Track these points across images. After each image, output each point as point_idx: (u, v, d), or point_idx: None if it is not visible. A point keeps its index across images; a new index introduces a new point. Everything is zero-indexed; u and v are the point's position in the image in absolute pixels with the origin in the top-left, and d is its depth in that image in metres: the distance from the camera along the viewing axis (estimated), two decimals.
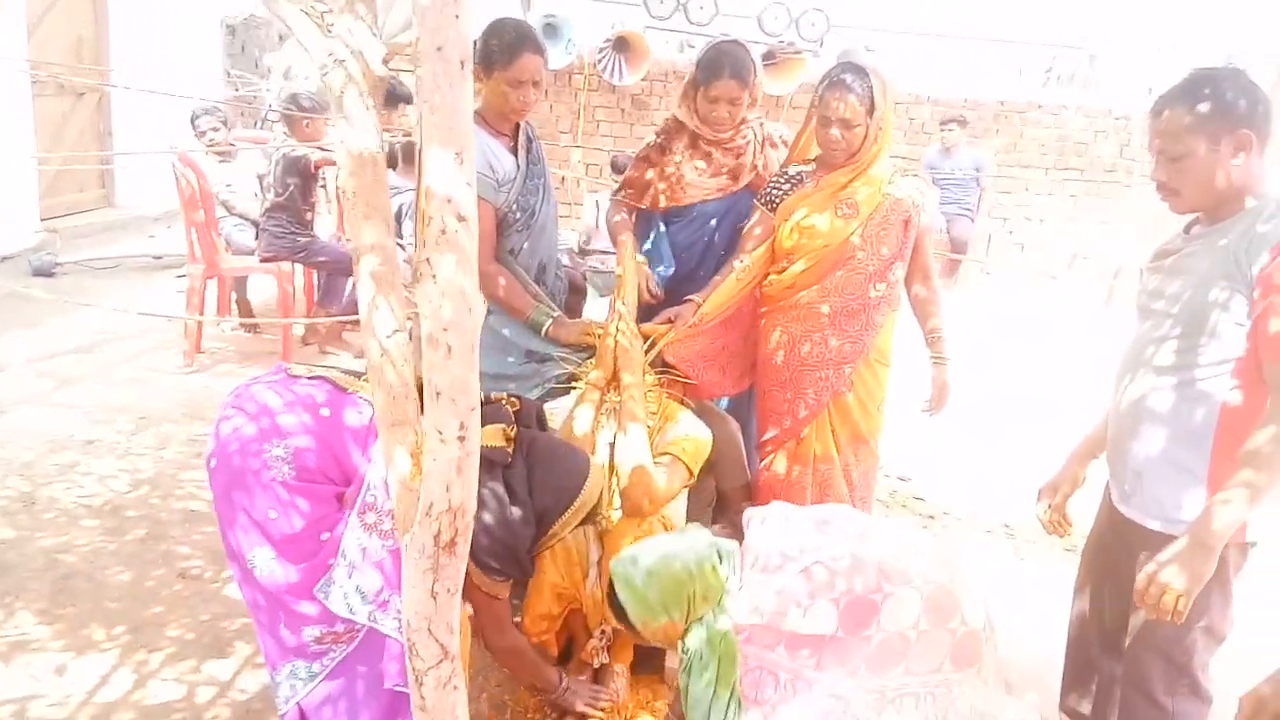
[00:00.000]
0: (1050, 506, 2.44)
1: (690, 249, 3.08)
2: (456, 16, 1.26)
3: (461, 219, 1.29)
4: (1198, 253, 2.01)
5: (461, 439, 1.35)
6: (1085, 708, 2.46)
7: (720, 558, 2.04)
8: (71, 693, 2.45)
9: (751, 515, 2.15)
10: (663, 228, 3.10)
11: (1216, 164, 1.93)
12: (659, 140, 3.04)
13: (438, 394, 1.33)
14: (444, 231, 1.28)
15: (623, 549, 2.16)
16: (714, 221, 3.04)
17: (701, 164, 2.99)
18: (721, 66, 2.81)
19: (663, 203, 3.03)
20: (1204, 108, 1.91)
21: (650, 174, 3.02)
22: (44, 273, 6.58)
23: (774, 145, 3.08)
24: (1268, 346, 1.86)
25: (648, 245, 3.08)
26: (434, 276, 1.29)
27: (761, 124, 3.06)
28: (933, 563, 1.98)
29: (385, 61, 1.38)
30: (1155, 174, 2.05)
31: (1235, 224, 1.95)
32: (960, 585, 1.98)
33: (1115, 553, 2.28)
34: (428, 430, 1.35)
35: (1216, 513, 1.83)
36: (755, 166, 3.01)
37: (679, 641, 2.04)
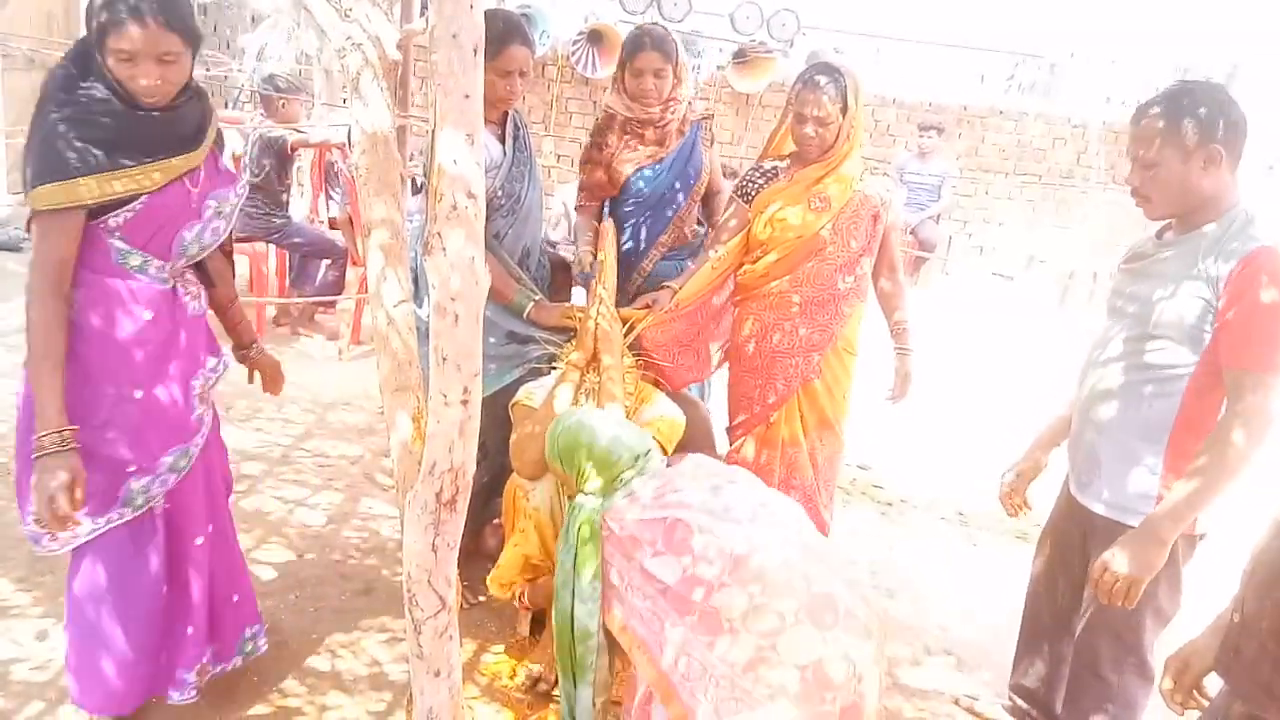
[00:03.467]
0: (1012, 489, 2.60)
1: (634, 227, 3.21)
2: (471, 5, 1.35)
3: (471, 196, 1.38)
4: (1169, 258, 2.12)
5: (464, 402, 1.44)
6: (1034, 684, 2.60)
7: (635, 461, 2.18)
8: (53, 657, 2.48)
9: (690, 457, 2.31)
10: (606, 207, 3.25)
11: (1187, 174, 2.03)
12: (595, 139, 3.19)
13: (444, 359, 1.42)
14: (454, 207, 1.37)
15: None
16: (651, 195, 3.16)
17: (633, 144, 3.14)
18: (642, 42, 3.00)
19: (611, 192, 3.19)
20: (1179, 120, 2.01)
21: (599, 174, 3.17)
22: (9, 247, 6.52)
23: (709, 117, 3.23)
24: (1230, 352, 1.98)
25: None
26: (444, 249, 1.38)
27: (690, 103, 3.19)
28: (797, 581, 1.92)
29: (398, 47, 1.47)
30: (1129, 178, 2.16)
31: (1206, 233, 2.05)
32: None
33: (1070, 538, 2.42)
34: (433, 394, 1.44)
35: (1170, 508, 1.98)
36: (681, 131, 3.14)
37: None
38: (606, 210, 3.23)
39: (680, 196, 3.15)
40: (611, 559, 2.07)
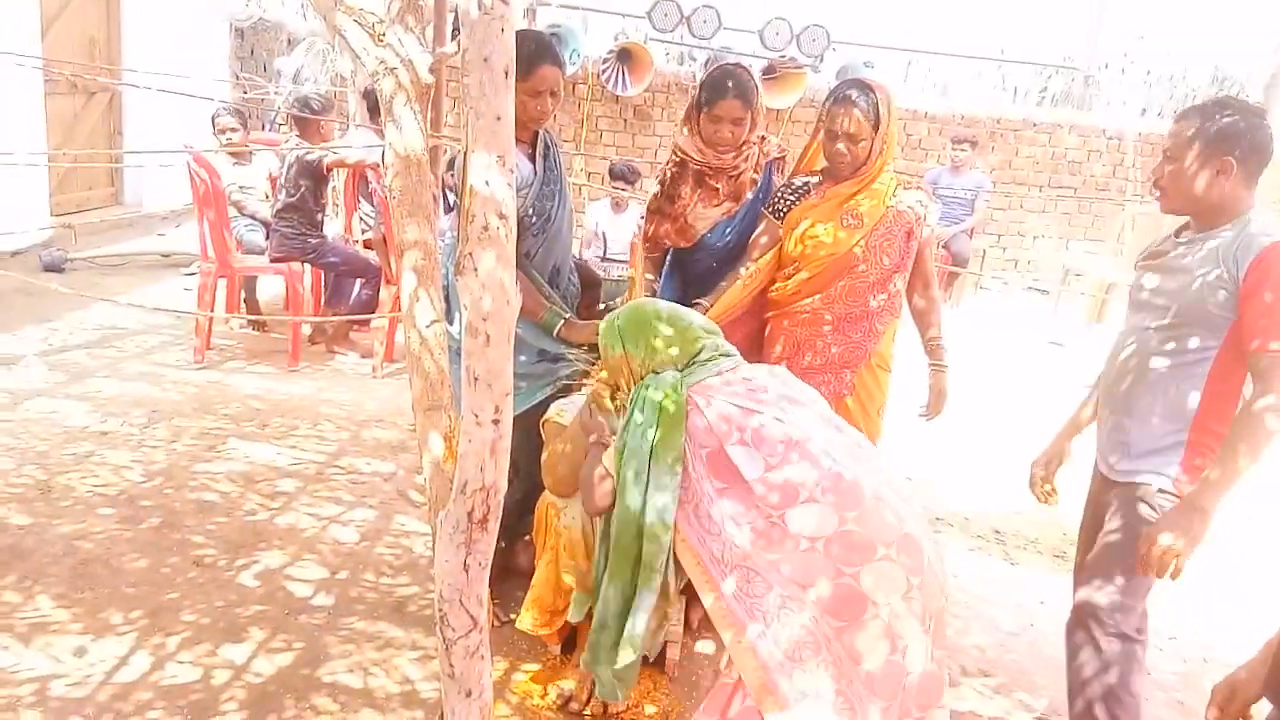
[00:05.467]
0: (1040, 478, 2.68)
1: (699, 277, 3.15)
2: (502, 29, 1.36)
3: (502, 217, 1.39)
4: (1189, 254, 2.27)
5: (496, 422, 1.45)
6: None
7: (707, 334, 2.05)
8: (91, 673, 2.52)
9: (777, 367, 2.19)
10: (671, 259, 3.17)
11: (1198, 178, 2.22)
12: (666, 189, 3.09)
13: (475, 379, 1.42)
14: (486, 228, 1.38)
15: None
16: (721, 247, 3.09)
17: (707, 199, 3.05)
18: (725, 87, 2.87)
19: (679, 243, 3.10)
20: (1206, 127, 2.21)
21: (666, 225, 3.08)
22: (54, 268, 6.66)
23: (781, 157, 3.16)
24: (1255, 337, 2.11)
25: (661, 279, 3.16)
26: (475, 270, 1.39)
27: (764, 139, 3.12)
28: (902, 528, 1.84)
29: (431, 70, 1.48)
30: (1155, 170, 2.34)
31: (1226, 230, 2.21)
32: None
33: (1101, 514, 2.47)
34: (465, 413, 1.44)
35: (1211, 481, 2.09)
36: (754, 181, 3.07)
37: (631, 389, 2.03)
38: (670, 258, 3.15)
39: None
40: (690, 443, 1.88)
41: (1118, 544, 2.32)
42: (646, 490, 1.89)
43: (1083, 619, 2.35)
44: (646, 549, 1.90)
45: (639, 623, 1.97)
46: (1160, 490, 2.29)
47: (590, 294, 3.15)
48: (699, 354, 2.02)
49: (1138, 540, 2.19)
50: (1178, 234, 2.37)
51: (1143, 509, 2.30)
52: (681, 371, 1.99)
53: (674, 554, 1.96)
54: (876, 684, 1.76)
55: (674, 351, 2.01)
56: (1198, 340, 2.23)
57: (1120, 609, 2.31)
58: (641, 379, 2.03)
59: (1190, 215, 2.31)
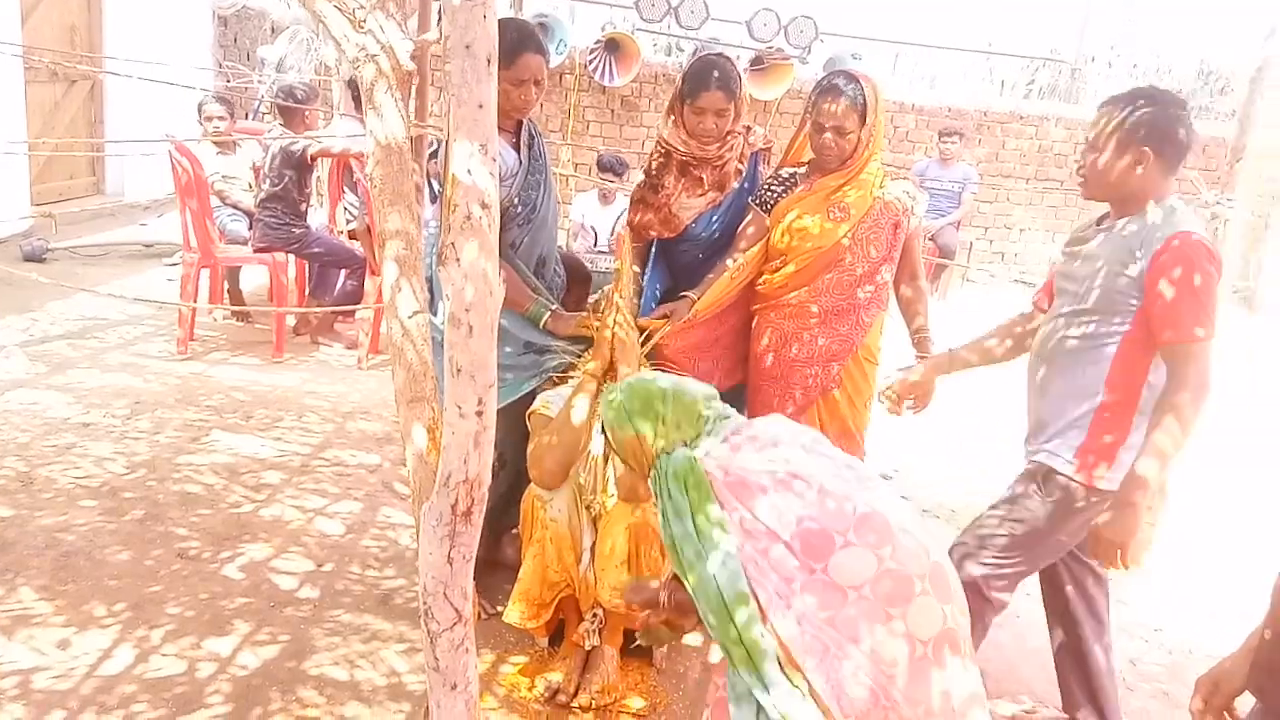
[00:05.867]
0: (892, 397, 2.79)
1: (687, 266, 3.14)
2: (484, 16, 1.35)
3: (485, 206, 1.37)
4: (1104, 242, 2.34)
5: (479, 414, 1.43)
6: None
7: (709, 403, 2.03)
8: (74, 666, 2.50)
9: (772, 415, 2.16)
10: (657, 249, 3.15)
11: (1115, 166, 2.29)
12: (650, 179, 3.06)
13: (458, 371, 1.41)
14: (469, 218, 1.36)
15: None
16: (706, 238, 3.08)
17: (693, 189, 3.03)
18: (707, 78, 2.84)
19: (663, 233, 3.08)
20: (1124, 117, 2.27)
21: (650, 216, 3.06)
22: (34, 258, 6.59)
23: (767, 148, 3.15)
24: (1163, 328, 2.18)
25: (647, 270, 3.13)
26: (458, 260, 1.37)
27: (749, 129, 3.10)
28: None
29: (412, 57, 1.46)
30: (1080, 158, 2.43)
31: (1138, 219, 2.28)
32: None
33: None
34: (448, 405, 1.43)
35: (1137, 477, 2.18)
36: (740, 170, 3.05)
37: (649, 474, 2.01)
38: (656, 249, 3.14)
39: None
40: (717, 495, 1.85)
41: (987, 516, 2.48)
42: (706, 566, 1.81)
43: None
44: (739, 618, 1.76)
45: (786, 698, 1.77)
46: (1055, 471, 2.35)
47: (581, 288, 3.13)
48: (704, 425, 2.01)
49: (1002, 515, 2.40)
50: (1099, 221, 2.44)
51: (1031, 488, 2.40)
52: (690, 446, 1.97)
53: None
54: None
55: (682, 429, 2.00)
56: (1105, 324, 2.30)
57: (982, 571, 2.44)
58: (655, 458, 2.01)
59: (1109, 203, 2.39)
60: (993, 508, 2.49)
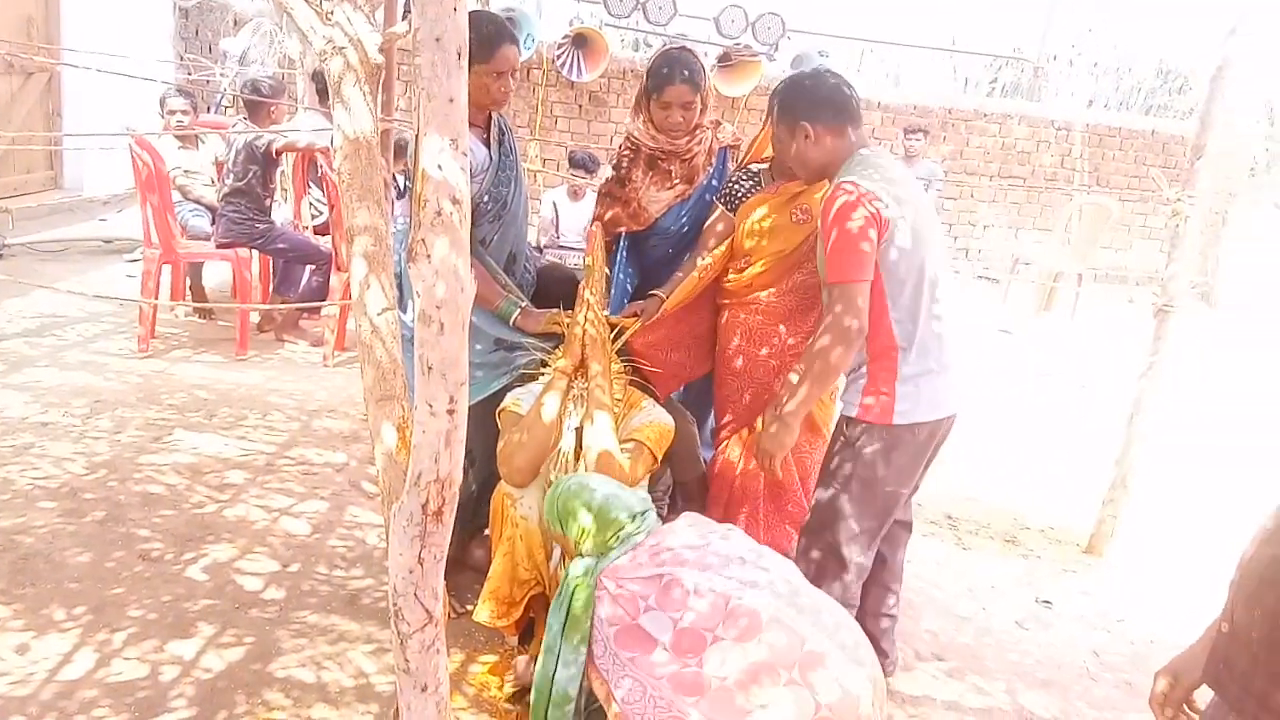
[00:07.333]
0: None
1: (657, 261, 3.15)
2: (455, 9, 1.33)
3: (455, 202, 1.36)
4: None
5: (451, 412, 1.42)
6: None
7: (633, 519, 2.19)
8: (34, 671, 2.44)
9: (686, 514, 2.34)
10: (627, 243, 3.15)
11: (791, 145, 2.57)
12: (618, 173, 3.07)
13: (429, 368, 1.39)
14: (439, 214, 1.35)
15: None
16: (675, 231, 3.09)
17: (660, 183, 3.04)
18: (672, 72, 2.85)
19: (631, 227, 3.08)
20: (775, 112, 2.61)
21: (617, 210, 3.06)
22: None
23: (735, 145, 3.15)
24: (823, 272, 2.47)
25: (616, 266, 3.13)
26: (428, 256, 1.35)
27: (718, 124, 3.11)
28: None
29: (381, 50, 1.44)
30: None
31: (828, 182, 2.53)
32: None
33: None
34: (419, 403, 1.41)
35: (786, 399, 2.49)
36: (709, 163, 3.06)
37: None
38: (625, 243, 3.14)
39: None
40: (601, 624, 2.07)
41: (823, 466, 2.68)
42: (557, 663, 2.11)
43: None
44: (552, 714, 2.12)
45: None
46: (847, 418, 2.55)
47: (559, 289, 3.06)
48: (617, 541, 2.17)
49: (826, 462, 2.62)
50: None
51: (839, 437, 2.60)
52: (601, 556, 2.16)
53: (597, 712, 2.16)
54: None
55: (589, 543, 2.18)
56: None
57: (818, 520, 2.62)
58: (573, 553, 2.23)
59: (807, 181, 2.67)
60: None
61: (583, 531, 2.18)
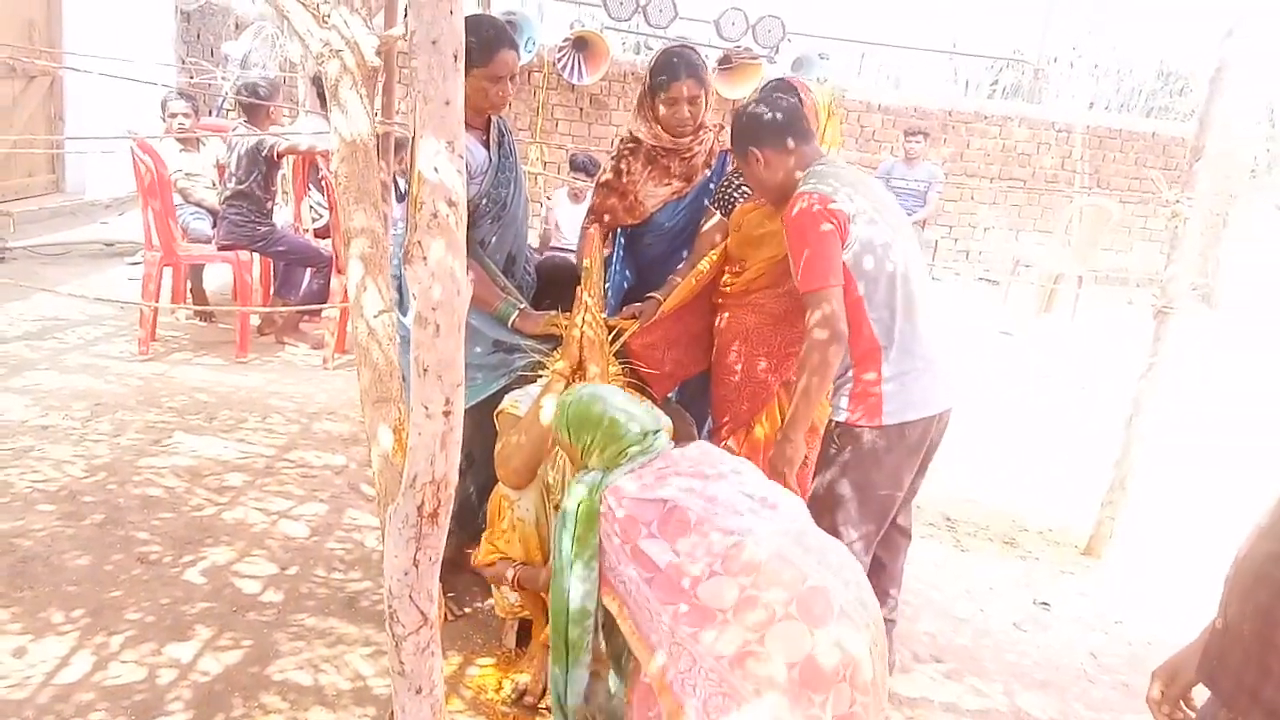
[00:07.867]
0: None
1: (652, 260, 3.16)
2: (451, 12, 1.33)
3: (451, 204, 1.36)
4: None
5: (446, 414, 1.42)
6: None
7: (643, 438, 2.16)
8: (31, 674, 2.44)
9: (698, 443, 2.30)
10: (624, 241, 3.16)
11: (758, 174, 2.63)
12: (616, 164, 3.08)
13: (425, 370, 1.39)
14: (435, 216, 1.35)
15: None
16: (671, 228, 3.10)
17: (658, 178, 3.05)
18: (676, 68, 2.87)
19: (626, 220, 3.09)
20: (734, 144, 2.68)
21: (613, 200, 3.07)
22: None
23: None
24: (797, 280, 2.48)
25: (612, 265, 3.14)
26: (425, 258, 1.36)
27: (720, 127, 3.12)
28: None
29: (378, 53, 1.45)
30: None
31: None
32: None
33: None
34: (414, 405, 1.41)
35: (788, 417, 2.52)
36: (708, 164, 3.07)
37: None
38: (621, 239, 3.14)
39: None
40: (608, 539, 2.04)
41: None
42: (571, 581, 2.09)
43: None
44: (572, 631, 2.10)
45: (570, 695, 2.17)
46: (836, 422, 2.57)
47: (566, 288, 3.05)
48: (623, 459, 2.14)
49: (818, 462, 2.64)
50: None
51: (830, 442, 2.61)
52: (607, 471, 2.13)
53: (611, 628, 2.16)
54: None
55: (596, 457, 2.16)
56: None
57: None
58: (579, 465, 2.22)
59: (774, 203, 2.67)
60: None
61: (591, 441, 2.16)
